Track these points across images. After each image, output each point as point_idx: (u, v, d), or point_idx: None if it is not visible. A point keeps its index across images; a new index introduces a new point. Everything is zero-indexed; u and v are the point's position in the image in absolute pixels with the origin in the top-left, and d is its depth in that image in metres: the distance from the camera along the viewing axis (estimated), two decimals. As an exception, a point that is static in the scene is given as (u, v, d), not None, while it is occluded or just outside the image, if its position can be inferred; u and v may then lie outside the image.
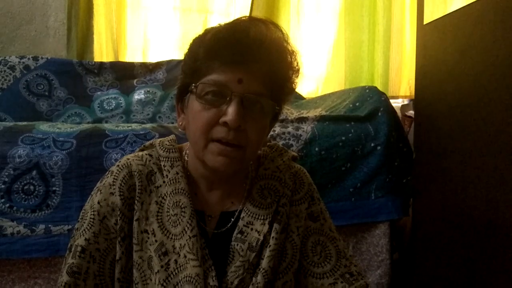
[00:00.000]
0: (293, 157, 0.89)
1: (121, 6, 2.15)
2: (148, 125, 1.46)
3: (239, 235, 0.77)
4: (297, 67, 0.77)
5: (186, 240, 0.74)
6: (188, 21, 2.23)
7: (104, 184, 0.79)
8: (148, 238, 0.76)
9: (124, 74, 1.99)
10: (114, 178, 0.79)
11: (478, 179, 1.22)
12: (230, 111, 0.69)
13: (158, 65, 2.04)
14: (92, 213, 0.77)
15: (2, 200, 1.25)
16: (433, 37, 1.47)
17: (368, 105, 1.58)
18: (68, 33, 2.07)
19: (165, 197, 0.78)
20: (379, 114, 1.54)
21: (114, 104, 1.90)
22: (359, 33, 2.29)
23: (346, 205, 1.47)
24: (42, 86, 1.86)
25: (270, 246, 0.76)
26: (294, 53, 0.76)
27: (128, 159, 0.81)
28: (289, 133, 1.47)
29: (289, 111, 1.76)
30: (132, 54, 2.19)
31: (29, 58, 1.88)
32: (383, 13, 2.25)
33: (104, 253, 0.76)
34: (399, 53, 2.28)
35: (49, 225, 1.27)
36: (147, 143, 0.87)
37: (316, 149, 1.45)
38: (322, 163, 1.45)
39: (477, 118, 1.23)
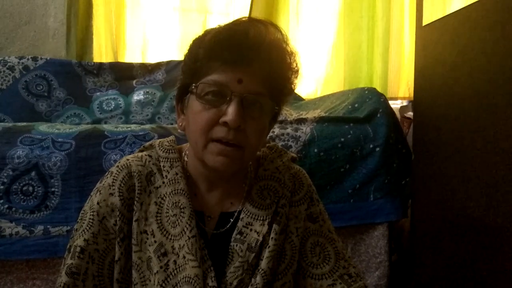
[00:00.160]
0: (293, 158, 0.89)
1: (120, 6, 2.15)
2: (147, 126, 1.46)
3: (238, 236, 0.77)
4: (296, 68, 0.77)
5: (185, 241, 0.74)
6: (188, 22, 2.23)
7: (103, 184, 0.79)
8: (147, 238, 0.76)
9: (124, 74, 1.99)
10: (113, 179, 0.79)
11: (476, 180, 1.22)
12: (230, 111, 0.69)
13: (157, 66, 2.04)
14: (92, 213, 0.77)
15: (1, 201, 1.25)
16: (432, 38, 1.47)
17: (367, 106, 1.59)
18: (68, 34, 2.07)
19: (164, 198, 0.78)
20: (378, 115, 1.54)
21: (113, 105, 1.90)
22: (358, 34, 2.29)
23: (345, 207, 1.48)
24: (41, 87, 1.86)
25: (269, 247, 0.76)
26: (293, 54, 0.76)
27: (128, 159, 0.81)
28: (288, 134, 1.47)
29: (288, 112, 1.76)
30: (132, 55, 2.18)
31: (28, 59, 1.88)
32: (382, 15, 2.25)
33: (103, 253, 0.76)
34: (398, 54, 2.28)
35: (48, 226, 1.27)
36: (147, 143, 0.87)
37: (315, 150, 1.46)
38: (321, 164, 1.45)
39: (476, 120, 1.23)
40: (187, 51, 0.77)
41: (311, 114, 1.64)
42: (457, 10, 1.33)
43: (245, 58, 0.70)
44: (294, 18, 2.29)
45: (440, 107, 1.42)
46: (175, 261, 0.74)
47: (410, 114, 2.07)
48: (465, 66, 1.28)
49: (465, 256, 1.27)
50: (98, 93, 1.93)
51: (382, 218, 1.50)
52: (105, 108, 1.89)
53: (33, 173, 1.27)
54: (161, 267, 0.73)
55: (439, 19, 1.43)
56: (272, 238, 0.77)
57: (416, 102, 1.63)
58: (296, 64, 0.77)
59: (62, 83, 1.89)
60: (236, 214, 0.79)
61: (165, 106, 1.91)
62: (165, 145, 0.84)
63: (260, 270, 0.75)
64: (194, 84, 0.72)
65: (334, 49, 2.32)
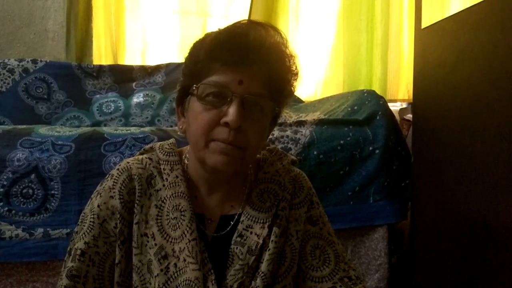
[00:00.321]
0: (293, 161, 0.89)
1: (120, 9, 2.15)
2: (147, 129, 1.46)
3: (238, 239, 0.77)
4: (296, 71, 0.78)
5: (186, 244, 0.74)
6: (187, 24, 2.23)
7: (104, 187, 0.79)
8: (148, 241, 0.76)
9: (123, 77, 1.99)
10: (114, 182, 0.79)
11: (476, 182, 1.22)
12: (231, 112, 0.69)
13: (157, 68, 2.04)
14: (92, 216, 0.77)
15: (1, 204, 1.25)
16: (431, 41, 1.48)
17: (366, 108, 1.59)
18: (67, 36, 2.07)
19: (164, 201, 0.78)
20: (378, 117, 1.54)
21: (113, 107, 1.90)
22: (357, 37, 2.29)
23: (345, 209, 1.48)
24: (41, 89, 1.86)
25: (269, 249, 0.76)
26: (293, 57, 0.77)
27: (128, 162, 0.81)
28: (287, 136, 1.47)
29: (288, 115, 1.76)
30: (131, 57, 2.18)
31: (28, 61, 1.88)
32: (381, 17, 2.26)
33: (104, 256, 0.76)
34: (397, 56, 2.28)
35: (48, 229, 1.27)
36: (147, 146, 0.87)
37: (315, 152, 1.46)
38: (320, 167, 1.45)
39: (475, 122, 1.23)
40: (187, 54, 0.77)
41: (311, 117, 1.64)
42: (456, 13, 1.33)
43: (246, 60, 0.70)
44: (294, 20, 2.29)
45: (439, 109, 1.43)
46: (175, 264, 0.74)
47: (409, 116, 2.08)
48: (464, 69, 1.29)
49: (465, 258, 1.27)
50: (97, 96, 1.93)
51: (381, 220, 1.50)
52: (105, 110, 1.89)
53: (32, 176, 1.27)
54: (161, 270, 0.73)
55: (438, 22, 1.43)
56: (272, 241, 0.77)
57: (415, 104, 1.63)
58: (296, 67, 0.78)
59: (62, 85, 1.89)
60: (236, 217, 0.80)
61: (165, 108, 1.91)
62: (166, 148, 0.84)
63: (260, 273, 0.75)
64: (195, 85, 0.73)
65: (334, 52, 2.32)
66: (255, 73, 0.72)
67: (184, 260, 0.73)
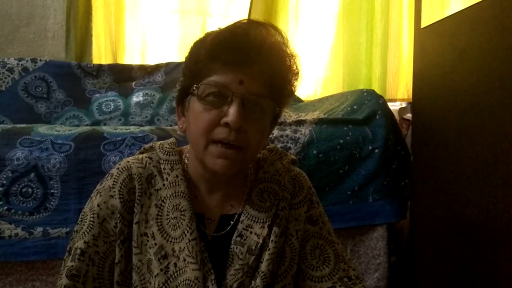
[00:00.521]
0: (293, 161, 0.89)
1: (119, 8, 2.15)
2: (147, 128, 1.46)
3: (238, 238, 0.77)
4: (296, 71, 0.78)
5: (186, 243, 0.74)
6: (187, 24, 2.23)
7: (104, 186, 0.79)
8: (148, 241, 0.76)
9: (123, 76, 1.99)
10: (114, 181, 0.79)
11: (476, 181, 1.22)
12: (232, 112, 0.69)
13: (156, 68, 2.04)
14: (92, 215, 0.77)
15: (0, 203, 1.25)
16: (430, 40, 1.48)
17: (366, 108, 1.59)
18: (67, 35, 2.07)
19: (165, 200, 0.78)
20: (377, 117, 1.55)
21: (112, 107, 1.90)
22: (357, 36, 2.29)
23: (344, 208, 1.48)
24: (40, 89, 1.86)
25: (269, 249, 0.76)
26: (294, 57, 0.77)
27: (128, 161, 0.81)
28: (287, 136, 1.47)
29: (287, 114, 1.76)
30: (131, 57, 2.18)
31: (27, 60, 1.88)
32: (381, 17, 2.26)
33: (104, 256, 0.76)
34: (397, 56, 2.28)
35: (47, 228, 1.27)
36: (147, 145, 0.87)
37: (314, 152, 1.46)
38: (320, 166, 1.45)
39: (475, 121, 1.23)
40: (187, 53, 0.77)
41: (310, 116, 1.64)
42: (456, 12, 1.33)
43: (246, 59, 0.70)
44: (293, 20, 2.29)
45: (438, 109, 1.43)
46: (175, 264, 0.74)
47: (408, 115, 2.08)
48: (463, 68, 1.29)
49: (465, 257, 1.28)
50: (97, 95, 1.93)
51: (381, 219, 1.50)
52: (104, 109, 1.89)
53: (32, 175, 1.27)
54: (161, 270, 0.73)
55: (437, 22, 1.43)
56: (272, 240, 0.77)
57: (414, 104, 1.63)
58: (296, 67, 0.77)
59: (61, 84, 1.89)
60: (236, 216, 0.80)
61: (164, 107, 1.91)
62: (166, 147, 0.84)
63: (260, 272, 0.75)
64: (195, 85, 0.72)
65: (333, 51, 2.32)
66: (256, 73, 0.71)
67: (184, 259, 0.73)
